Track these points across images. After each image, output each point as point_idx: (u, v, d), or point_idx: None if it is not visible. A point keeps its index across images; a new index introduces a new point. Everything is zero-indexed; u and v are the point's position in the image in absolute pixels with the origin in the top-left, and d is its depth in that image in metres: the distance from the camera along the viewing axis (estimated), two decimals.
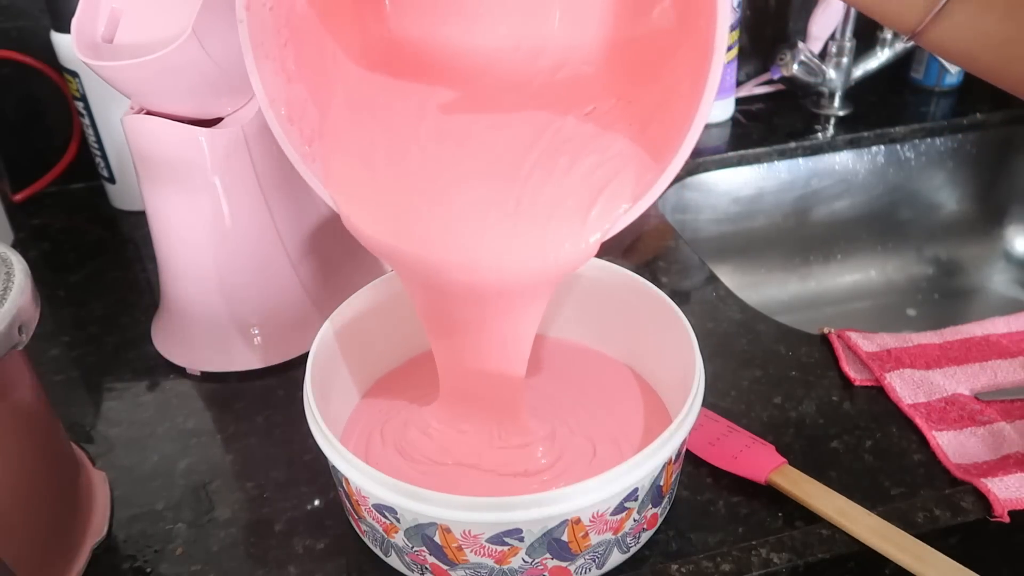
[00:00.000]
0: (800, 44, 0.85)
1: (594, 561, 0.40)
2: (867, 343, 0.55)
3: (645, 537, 0.42)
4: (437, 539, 0.38)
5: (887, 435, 0.49)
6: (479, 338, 0.43)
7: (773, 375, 0.54)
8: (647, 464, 0.38)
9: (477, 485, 0.44)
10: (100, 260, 0.69)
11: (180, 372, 0.56)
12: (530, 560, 0.38)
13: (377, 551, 0.42)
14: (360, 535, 0.43)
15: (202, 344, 0.55)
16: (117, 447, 0.50)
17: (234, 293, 0.54)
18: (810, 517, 0.43)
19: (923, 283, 0.94)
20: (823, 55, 0.87)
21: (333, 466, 0.40)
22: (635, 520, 0.40)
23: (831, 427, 0.50)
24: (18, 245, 0.71)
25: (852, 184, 0.89)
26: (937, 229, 0.94)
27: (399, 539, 0.39)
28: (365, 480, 0.38)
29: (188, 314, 0.55)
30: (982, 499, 0.44)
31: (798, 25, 0.90)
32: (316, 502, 0.46)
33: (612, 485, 0.37)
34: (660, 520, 0.43)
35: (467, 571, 0.39)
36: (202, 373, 0.55)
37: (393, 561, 0.41)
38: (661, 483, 0.40)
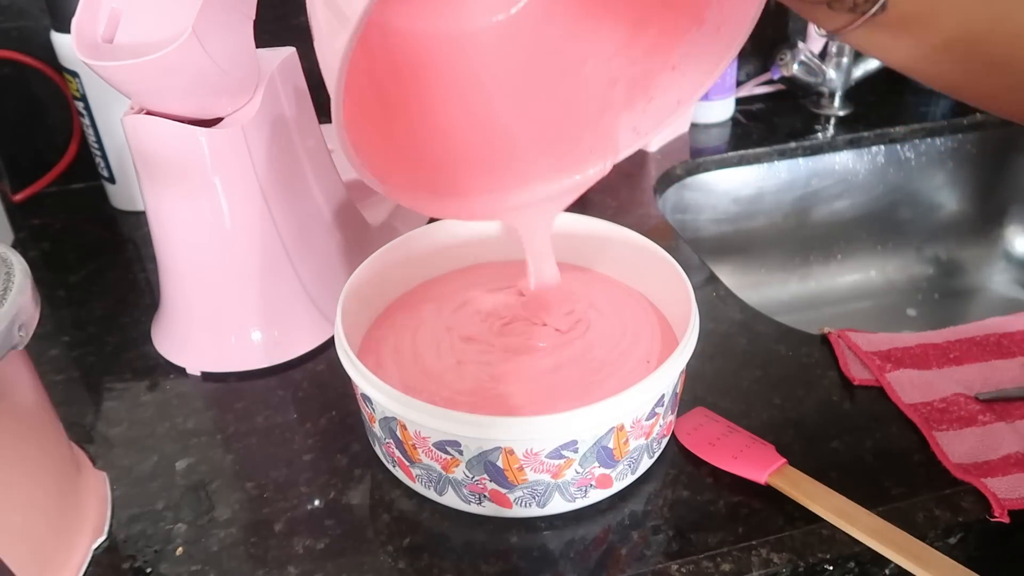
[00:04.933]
0: (800, 44, 0.85)
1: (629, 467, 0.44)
2: (867, 343, 0.55)
3: (663, 443, 0.47)
4: (500, 463, 0.40)
5: (887, 435, 0.49)
6: None
7: (773, 375, 0.54)
8: (669, 375, 0.42)
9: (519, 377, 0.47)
10: (100, 260, 0.69)
11: (180, 372, 0.56)
12: (581, 471, 0.41)
13: (430, 493, 0.44)
14: (409, 482, 0.45)
15: (202, 344, 0.55)
16: (117, 447, 0.50)
17: (234, 293, 0.54)
18: (810, 517, 0.43)
19: (923, 283, 0.94)
20: (823, 55, 0.87)
21: (385, 417, 0.42)
22: (660, 426, 0.45)
23: (831, 427, 0.50)
24: (18, 245, 0.71)
25: (852, 184, 0.89)
26: (937, 229, 0.94)
27: (459, 472, 0.41)
28: (428, 418, 0.39)
29: (188, 314, 0.55)
30: (982, 499, 0.44)
31: (798, 25, 0.90)
32: (316, 502, 0.46)
33: (645, 393, 0.41)
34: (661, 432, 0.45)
35: (525, 491, 0.41)
36: (202, 373, 0.55)
37: (448, 499, 0.43)
38: (677, 390, 0.45)
